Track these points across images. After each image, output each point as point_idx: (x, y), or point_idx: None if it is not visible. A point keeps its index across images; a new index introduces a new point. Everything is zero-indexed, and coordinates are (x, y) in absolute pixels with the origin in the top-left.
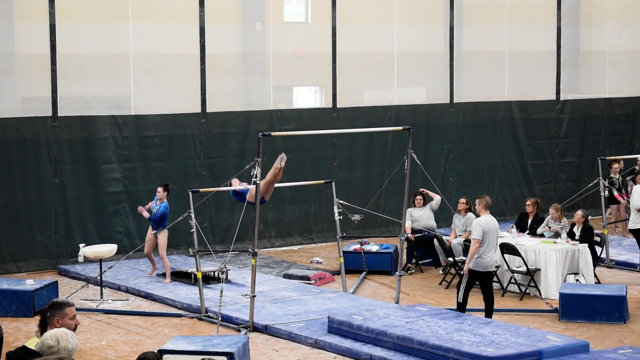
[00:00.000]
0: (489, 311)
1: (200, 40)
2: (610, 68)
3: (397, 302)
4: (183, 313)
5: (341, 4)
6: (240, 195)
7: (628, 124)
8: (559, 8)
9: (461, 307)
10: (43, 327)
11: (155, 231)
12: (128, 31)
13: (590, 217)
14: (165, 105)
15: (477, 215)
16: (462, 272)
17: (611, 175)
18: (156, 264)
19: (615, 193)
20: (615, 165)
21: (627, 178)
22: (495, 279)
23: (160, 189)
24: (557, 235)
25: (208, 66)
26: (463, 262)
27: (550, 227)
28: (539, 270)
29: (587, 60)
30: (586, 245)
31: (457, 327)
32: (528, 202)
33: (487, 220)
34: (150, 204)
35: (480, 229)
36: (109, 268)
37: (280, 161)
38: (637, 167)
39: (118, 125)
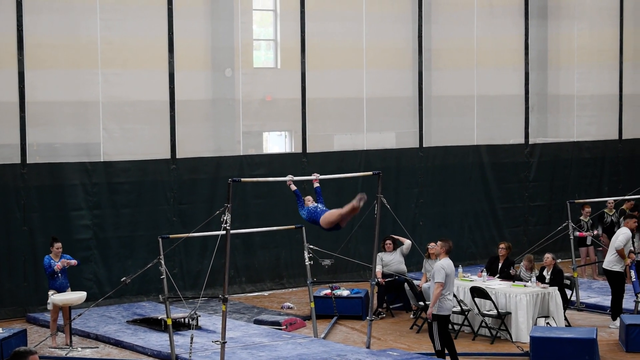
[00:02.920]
0: (454, 356)
1: (170, 86)
2: (578, 112)
3: (368, 347)
4: None
5: (310, 49)
6: (312, 213)
7: (596, 167)
8: (526, 53)
9: (441, 354)
10: None
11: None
12: (97, 78)
13: (560, 260)
14: (134, 152)
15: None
16: (429, 319)
17: (581, 217)
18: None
19: (579, 232)
20: (588, 209)
21: (595, 230)
22: (466, 322)
23: (59, 245)
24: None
25: (177, 112)
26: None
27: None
28: (510, 313)
29: (555, 105)
30: (556, 288)
31: None
32: (502, 246)
33: (448, 263)
34: (61, 263)
35: (443, 273)
36: (79, 315)
37: (359, 201)
38: (606, 210)
39: (87, 172)
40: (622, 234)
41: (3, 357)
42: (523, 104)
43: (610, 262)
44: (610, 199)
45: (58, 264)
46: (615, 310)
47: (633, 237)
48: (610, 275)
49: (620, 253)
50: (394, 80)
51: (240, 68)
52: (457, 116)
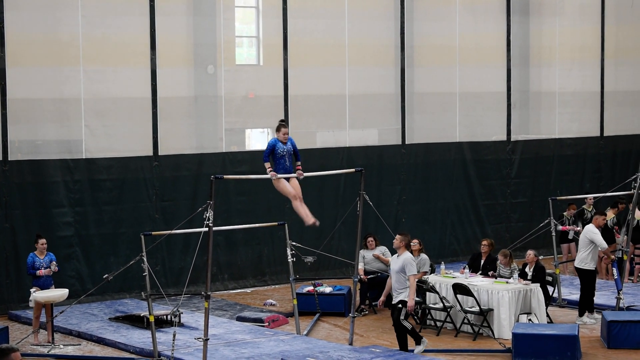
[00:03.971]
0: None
1: (152, 83)
2: (560, 109)
3: (350, 344)
4: (135, 357)
5: (292, 46)
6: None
7: (578, 164)
8: (508, 50)
9: (415, 334)
10: None
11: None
12: (79, 75)
13: (541, 257)
14: (116, 149)
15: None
16: (412, 311)
17: (564, 213)
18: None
19: (561, 226)
20: (573, 210)
21: (577, 227)
22: (448, 319)
23: (44, 241)
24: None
25: (160, 109)
26: (416, 303)
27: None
28: (492, 310)
29: (536, 102)
30: (538, 285)
31: None
32: (484, 243)
33: (411, 256)
34: (47, 269)
35: (415, 265)
36: (61, 313)
37: (312, 221)
38: (585, 207)
39: (69, 169)
40: (596, 233)
41: None
42: (505, 101)
43: (582, 260)
44: (590, 196)
45: (41, 270)
46: (584, 306)
47: (619, 230)
48: (582, 273)
49: (606, 252)
50: (376, 78)
51: (223, 65)
52: (439, 113)
